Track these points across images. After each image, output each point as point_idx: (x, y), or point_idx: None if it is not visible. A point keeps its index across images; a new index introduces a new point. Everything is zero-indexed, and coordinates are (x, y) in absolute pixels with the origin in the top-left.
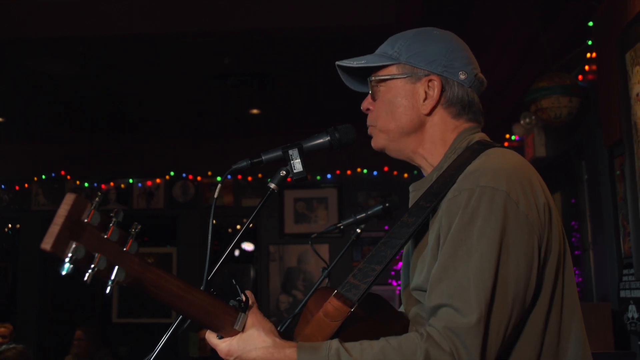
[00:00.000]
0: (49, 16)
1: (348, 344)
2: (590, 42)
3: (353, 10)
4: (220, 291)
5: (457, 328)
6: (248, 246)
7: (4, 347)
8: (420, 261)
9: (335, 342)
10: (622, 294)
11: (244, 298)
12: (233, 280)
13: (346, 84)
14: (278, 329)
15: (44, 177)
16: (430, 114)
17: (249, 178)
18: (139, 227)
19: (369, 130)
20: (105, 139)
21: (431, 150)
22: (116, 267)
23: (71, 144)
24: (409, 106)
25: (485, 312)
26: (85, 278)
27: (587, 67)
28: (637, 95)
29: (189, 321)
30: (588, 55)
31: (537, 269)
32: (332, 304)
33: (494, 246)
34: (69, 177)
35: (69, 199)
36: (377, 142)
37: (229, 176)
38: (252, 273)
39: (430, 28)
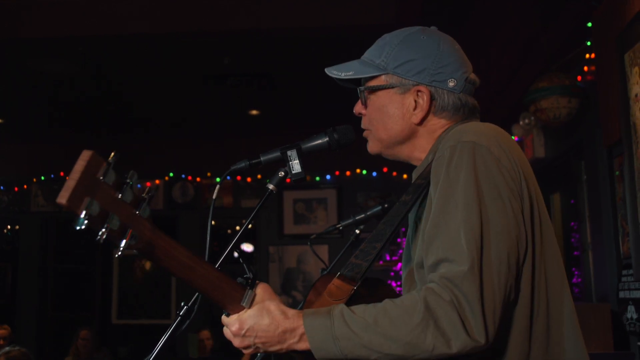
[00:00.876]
0: (48, 16)
1: (353, 307)
2: (589, 43)
3: (353, 10)
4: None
5: (453, 276)
6: (247, 247)
7: (8, 347)
8: (420, 234)
9: (339, 305)
10: (621, 294)
11: (251, 275)
12: (239, 258)
13: (338, 83)
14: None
15: (43, 178)
16: (421, 123)
17: (248, 179)
18: (154, 191)
19: (364, 134)
20: (105, 139)
21: (426, 151)
22: (129, 230)
23: (71, 145)
24: (399, 116)
25: (478, 259)
26: (99, 237)
27: (586, 68)
28: (636, 95)
29: (187, 322)
30: (587, 55)
31: (523, 223)
32: (336, 284)
33: (480, 197)
34: (68, 178)
35: (85, 155)
36: (373, 148)
37: (228, 177)
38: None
39: (417, 31)
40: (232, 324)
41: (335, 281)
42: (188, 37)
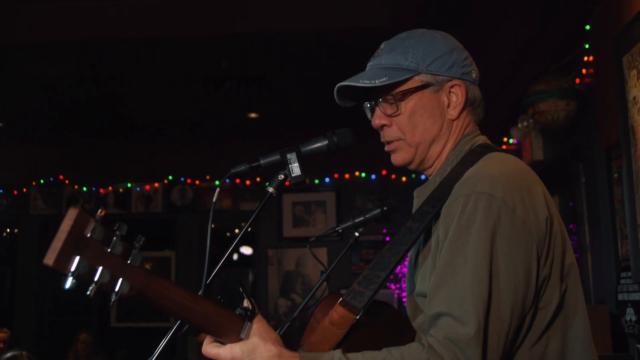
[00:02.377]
0: (46, 20)
1: (351, 355)
2: (587, 46)
3: (351, 13)
4: (223, 296)
5: (457, 339)
6: (246, 250)
7: (14, 351)
8: (424, 267)
9: (337, 353)
10: (620, 296)
11: (249, 306)
12: (240, 288)
13: (337, 101)
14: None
15: (42, 181)
16: (457, 118)
17: (248, 182)
18: (143, 239)
19: (392, 147)
20: (104, 143)
21: (445, 151)
22: (120, 280)
23: (69, 149)
24: (438, 115)
25: (484, 321)
26: (89, 292)
27: (584, 71)
28: (634, 98)
29: (187, 325)
30: (585, 58)
31: (536, 274)
32: (338, 312)
33: (490, 253)
34: (67, 181)
35: (71, 214)
36: (405, 157)
37: (227, 180)
38: (250, 277)
39: (426, 30)
40: (225, 357)
41: (338, 308)
42: (186, 40)
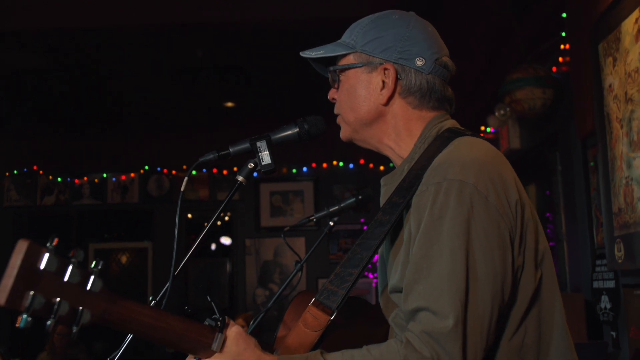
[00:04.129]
0: (18, 10)
1: (329, 355)
2: (564, 34)
3: (327, 2)
4: (201, 286)
5: (436, 332)
6: (225, 240)
7: None
8: (396, 261)
9: (316, 354)
10: (595, 284)
11: (220, 317)
12: (208, 298)
13: (321, 74)
14: (252, 322)
15: (15, 172)
16: (387, 104)
17: (224, 172)
18: (102, 263)
19: (337, 121)
20: (79, 133)
21: (397, 140)
22: (79, 309)
23: (44, 139)
24: (367, 96)
25: (462, 314)
26: (47, 327)
27: (561, 59)
28: (610, 86)
29: None
30: (562, 46)
31: (512, 261)
32: (311, 313)
33: (465, 243)
34: (41, 172)
35: (21, 247)
36: (343, 134)
37: (203, 170)
38: (228, 267)
39: (391, 11)
40: None
41: (311, 309)
42: (161, 29)
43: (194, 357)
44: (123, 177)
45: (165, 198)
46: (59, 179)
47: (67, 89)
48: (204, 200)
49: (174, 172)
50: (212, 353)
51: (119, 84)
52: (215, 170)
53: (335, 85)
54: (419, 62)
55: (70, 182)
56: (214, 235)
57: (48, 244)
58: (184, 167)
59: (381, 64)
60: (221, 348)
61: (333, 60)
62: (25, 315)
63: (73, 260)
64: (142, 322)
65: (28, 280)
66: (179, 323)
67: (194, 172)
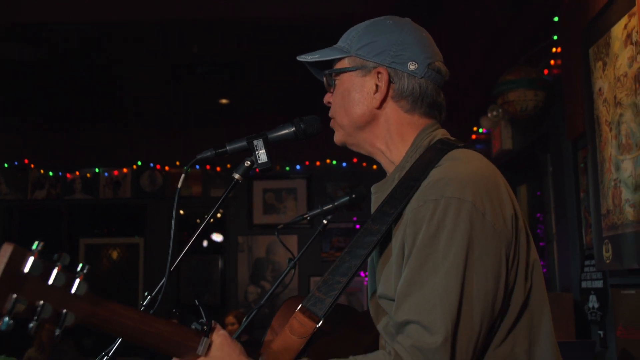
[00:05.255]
0: (13, 2)
1: None
2: (556, 37)
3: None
4: (191, 284)
5: (424, 348)
6: (217, 237)
7: None
8: (386, 270)
9: None
10: (584, 284)
11: (205, 321)
12: (196, 301)
13: (317, 77)
14: (245, 319)
15: (6, 165)
16: (380, 107)
17: (218, 168)
18: (87, 267)
19: (331, 124)
20: (71, 126)
21: (389, 145)
22: (63, 312)
23: (35, 132)
24: (360, 100)
25: (452, 330)
26: (30, 329)
27: (552, 62)
28: (600, 90)
29: (151, 312)
30: (554, 49)
31: (504, 280)
32: (298, 319)
33: (461, 260)
34: (32, 165)
35: (5, 251)
36: (337, 137)
37: (197, 166)
38: (220, 264)
39: (385, 17)
40: None
41: (298, 315)
42: (157, 25)
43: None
44: (115, 172)
45: (158, 194)
46: (51, 173)
47: (61, 82)
48: (196, 196)
49: (167, 168)
50: (197, 357)
51: (113, 79)
52: (208, 167)
53: (331, 89)
54: (412, 67)
55: (62, 177)
56: (206, 232)
57: (33, 247)
58: (177, 163)
59: (375, 67)
60: (206, 352)
61: (329, 64)
62: (7, 318)
63: (58, 263)
64: (127, 325)
65: (11, 284)
66: (165, 327)
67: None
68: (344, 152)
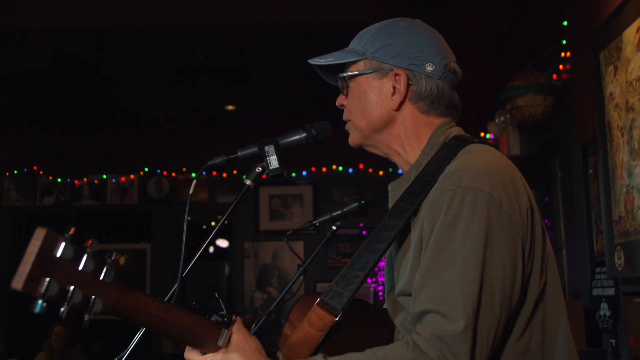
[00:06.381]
0: (20, 9)
1: (332, 358)
2: (564, 42)
3: (328, 6)
4: (198, 289)
5: (444, 335)
6: (222, 243)
7: None
8: (404, 264)
9: (319, 357)
10: (595, 291)
11: (226, 313)
12: (216, 294)
13: (325, 80)
14: (254, 326)
15: (15, 172)
16: (398, 109)
17: (224, 174)
18: (114, 254)
19: (346, 127)
20: (79, 134)
21: (405, 146)
22: (92, 298)
23: (44, 139)
24: (378, 102)
25: (473, 318)
26: (61, 313)
27: (561, 66)
28: (611, 95)
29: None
30: (563, 54)
31: (521, 270)
32: (316, 313)
33: (478, 249)
34: (41, 172)
35: (39, 235)
36: (353, 139)
37: (204, 172)
38: (226, 270)
39: (398, 19)
40: None
41: (316, 309)
42: (163, 31)
43: (200, 352)
44: (123, 179)
45: (165, 200)
46: (59, 180)
47: (69, 89)
48: (203, 203)
49: (173, 174)
50: (218, 348)
51: (120, 85)
52: (214, 173)
53: (345, 92)
54: (429, 68)
55: (70, 183)
56: (213, 239)
57: (65, 233)
58: (184, 169)
59: (392, 69)
60: (227, 344)
61: (341, 67)
62: (40, 301)
63: (88, 250)
64: (150, 314)
65: (44, 267)
66: (187, 317)
67: (193, 175)
68: (350, 158)
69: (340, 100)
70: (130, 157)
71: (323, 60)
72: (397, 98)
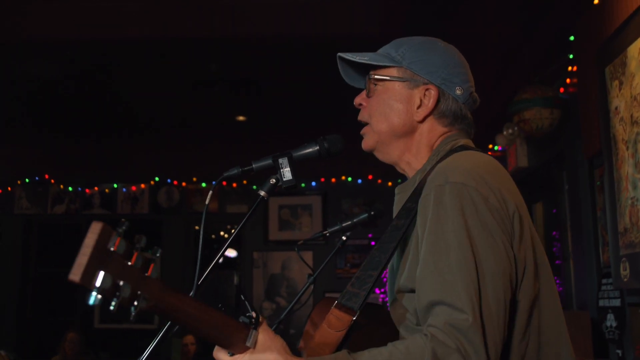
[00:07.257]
0: (34, 20)
1: (356, 354)
2: (571, 56)
3: (339, 19)
4: (208, 297)
5: (459, 325)
6: (231, 252)
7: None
8: (403, 261)
9: (343, 354)
10: (601, 302)
11: (254, 314)
12: (242, 296)
13: (342, 76)
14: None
15: (27, 180)
16: (422, 121)
17: (234, 184)
18: (160, 251)
19: (362, 130)
20: (90, 143)
21: (416, 155)
22: (139, 293)
23: (55, 148)
24: (404, 110)
25: (478, 305)
26: (112, 307)
27: (568, 80)
28: (616, 109)
29: (176, 328)
30: (569, 68)
31: (514, 259)
32: (334, 315)
33: (471, 237)
34: (52, 181)
35: (95, 228)
36: (367, 142)
37: (213, 183)
38: (235, 279)
39: (436, 39)
40: None
41: (334, 311)
42: (176, 42)
43: (228, 352)
44: (133, 188)
45: (175, 210)
46: (70, 188)
47: (81, 99)
48: (212, 212)
49: (184, 184)
50: (246, 349)
51: (132, 95)
52: (224, 183)
53: (369, 93)
54: (458, 91)
55: (81, 192)
56: (221, 247)
57: (118, 228)
58: (194, 179)
59: (425, 83)
60: (254, 345)
61: (371, 69)
62: (95, 293)
63: (137, 245)
64: (189, 313)
65: (99, 260)
66: (219, 316)
67: (203, 185)
68: (359, 169)
69: (360, 99)
70: (141, 166)
71: (357, 57)
72: (423, 111)
